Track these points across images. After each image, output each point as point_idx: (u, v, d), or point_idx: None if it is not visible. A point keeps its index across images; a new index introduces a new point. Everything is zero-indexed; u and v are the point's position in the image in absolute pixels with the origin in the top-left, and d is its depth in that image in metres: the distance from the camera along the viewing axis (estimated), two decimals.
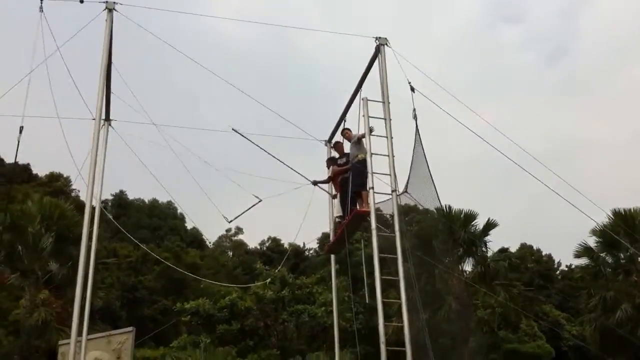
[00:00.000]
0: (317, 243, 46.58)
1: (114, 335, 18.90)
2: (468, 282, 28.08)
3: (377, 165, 11.60)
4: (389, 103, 11.88)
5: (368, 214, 11.52)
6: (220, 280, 40.33)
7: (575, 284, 39.28)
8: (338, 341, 15.07)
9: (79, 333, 10.75)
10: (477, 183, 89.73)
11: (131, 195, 62.37)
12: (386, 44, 12.29)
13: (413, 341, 10.26)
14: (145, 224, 57.30)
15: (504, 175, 79.40)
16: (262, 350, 30.56)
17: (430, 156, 12.57)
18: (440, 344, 22.85)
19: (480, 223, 29.52)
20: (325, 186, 14.72)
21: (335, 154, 14.33)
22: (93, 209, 11.70)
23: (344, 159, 13.61)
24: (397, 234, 10.94)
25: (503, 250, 34.44)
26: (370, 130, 11.82)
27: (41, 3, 12.12)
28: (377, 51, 12.34)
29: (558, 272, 52.91)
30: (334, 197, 14.36)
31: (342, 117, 14.36)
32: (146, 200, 63.34)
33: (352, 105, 13.67)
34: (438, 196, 12.71)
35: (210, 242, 64.84)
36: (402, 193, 12.16)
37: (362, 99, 12.13)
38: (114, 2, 11.91)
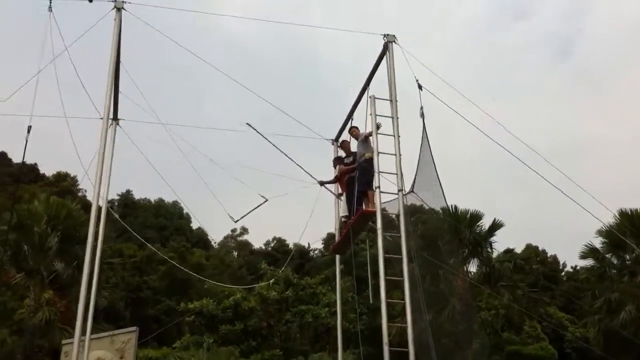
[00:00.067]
0: (322, 243, 46.61)
1: (117, 335, 18.92)
2: (473, 283, 28.06)
3: (383, 164, 11.55)
4: (396, 101, 11.79)
5: (374, 213, 11.50)
6: (225, 280, 40.40)
7: (580, 286, 39.15)
8: (341, 342, 15.07)
9: (83, 332, 10.77)
10: (483, 182, 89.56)
11: (137, 195, 62.58)
12: (394, 41, 12.20)
13: (416, 342, 10.23)
14: (151, 223, 57.39)
15: (510, 174, 79.15)
16: (265, 350, 30.59)
17: (436, 154, 12.55)
18: (444, 345, 22.83)
19: (486, 223, 29.55)
20: (331, 187, 14.69)
21: (342, 153, 14.27)
22: (99, 208, 11.71)
23: (351, 158, 13.54)
24: (403, 234, 10.90)
25: (508, 251, 34.44)
26: (378, 126, 11.81)
27: (50, 3, 12.16)
28: (385, 48, 12.25)
29: (563, 273, 52.85)
30: (340, 195, 14.33)
31: (350, 116, 14.29)
32: (152, 200, 63.50)
33: (360, 103, 13.57)
34: (444, 196, 12.69)
35: (215, 242, 64.98)
36: (409, 193, 12.13)
37: (370, 97, 12.03)
38: (123, 1, 11.89)
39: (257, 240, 79.44)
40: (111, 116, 13.19)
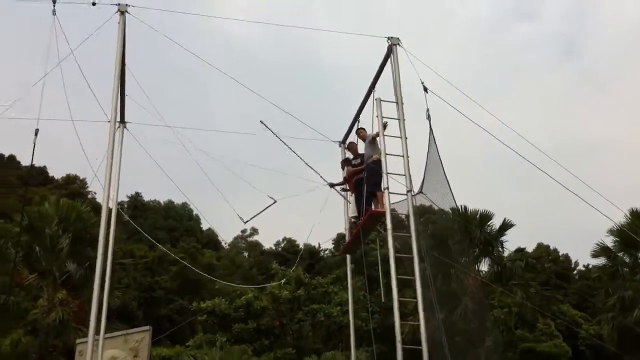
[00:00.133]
0: (332, 243, 46.62)
1: (131, 334, 18.98)
2: (484, 282, 28.00)
3: (391, 165, 11.56)
4: (402, 103, 11.80)
5: (383, 214, 11.51)
6: (235, 280, 40.51)
7: (592, 284, 39.04)
8: (354, 340, 15.08)
9: (97, 332, 10.82)
10: (492, 182, 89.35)
11: (147, 197, 62.85)
12: (398, 44, 12.19)
13: (429, 340, 10.24)
14: (161, 225, 57.61)
15: (520, 174, 78.89)
16: (277, 349, 30.66)
17: (444, 155, 12.54)
18: (457, 343, 22.79)
19: (496, 223, 29.48)
20: (340, 189, 14.71)
21: (350, 155, 14.28)
22: (110, 210, 11.76)
23: (358, 160, 13.54)
24: (413, 234, 10.91)
25: (519, 250, 34.28)
26: (385, 126, 11.80)
27: (54, 6, 12.21)
28: (390, 51, 12.25)
29: (575, 272, 52.63)
30: (347, 190, 14.34)
31: (356, 118, 14.30)
32: (162, 202, 63.74)
33: (366, 105, 13.60)
34: (453, 196, 12.67)
35: (225, 243, 65.08)
36: (418, 193, 12.13)
37: (376, 100, 12.07)
38: (127, 5, 11.95)
39: (267, 240, 79.73)
40: (118, 119, 13.21)
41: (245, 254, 67.51)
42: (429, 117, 12.21)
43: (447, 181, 12.40)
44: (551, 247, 52.60)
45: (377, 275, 12.99)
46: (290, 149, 14.28)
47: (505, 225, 29.44)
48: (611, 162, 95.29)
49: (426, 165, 12.63)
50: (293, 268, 31.26)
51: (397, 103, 11.87)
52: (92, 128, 13.04)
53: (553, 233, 77.58)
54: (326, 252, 53.32)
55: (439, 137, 12.45)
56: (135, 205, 59.10)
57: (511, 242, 31.17)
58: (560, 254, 53.27)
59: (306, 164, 14.20)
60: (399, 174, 11.39)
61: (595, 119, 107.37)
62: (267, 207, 14.96)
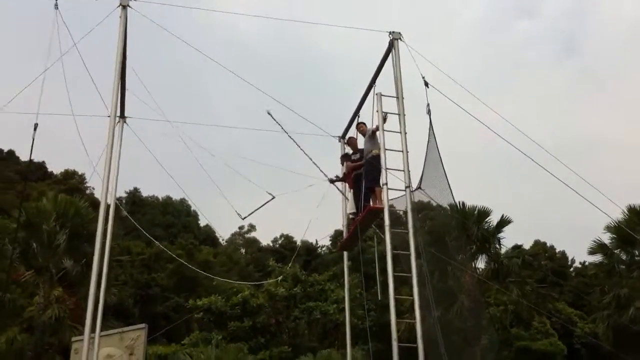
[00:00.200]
0: (330, 240, 46.60)
1: (127, 332, 18.97)
2: (481, 279, 28.04)
3: (390, 160, 11.56)
4: (403, 98, 11.79)
5: (381, 210, 11.51)
6: (232, 277, 40.51)
7: (589, 281, 39.10)
8: (350, 338, 15.09)
9: (92, 330, 10.80)
10: (490, 178, 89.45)
11: (145, 193, 62.81)
12: (400, 39, 12.17)
13: (425, 338, 10.24)
14: (158, 221, 57.58)
15: (519, 171, 79.08)
16: (273, 347, 30.65)
17: (443, 150, 12.54)
18: (453, 341, 22.82)
19: (493, 220, 29.51)
20: (340, 185, 14.70)
21: (349, 150, 14.27)
22: (108, 206, 11.73)
23: (358, 155, 13.52)
24: (410, 230, 10.91)
25: (517, 247, 34.34)
26: (385, 118, 11.80)
27: (56, 1, 12.19)
28: (391, 46, 12.22)
29: (572, 269, 52.71)
30: (344, 181, 14.34)
31: (356, 113, 14.29)
32: (160, 198, 63.67)
33: (366, 100, 13.58)
34: (452, 192, 12.67)
35: (223, 239, 65.12)
36: (416, 189, 12.12)
37: (376, 95, 12.06)
38: None
39: (265, 237, 79.76)
40: (118, 114, 13.19)
41: (243, 250, 67.50)
42: (429, 112, 12.19)
43: (446, 177, 12.41)
44: (548, 244, 52.72)
45: (373, 273, 13.01)
46: (294, 141, 14.23)
47: (503, 222, 29.48)
48: (610, 159, 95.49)
49: (425, 161, 12.64)
50: (290, 265, 31.23)
51: (397, 98, 11.84)
52: (91, 123, 13.03)
53: (550, 230, 77.78)
54: (323, 249, 53.37)
55: (438, 133, 12.47)
56: (134, 201, 59.03)
57: (508, 239, 31.25)
58: (557, 251, 53.40)
59: (309, 158, 14.14)
60: (398, 170, 11.39)
61: (595, 117, 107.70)
62: (265, 203, 14.95)
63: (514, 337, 33.06)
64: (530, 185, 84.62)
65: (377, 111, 11.88)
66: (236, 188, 18.35)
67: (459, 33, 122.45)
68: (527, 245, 42.24)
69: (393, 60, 12.16)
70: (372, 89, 12.89)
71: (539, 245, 50.29)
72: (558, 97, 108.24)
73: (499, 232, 29.54)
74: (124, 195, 58.41)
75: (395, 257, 10.89)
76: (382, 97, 11.93)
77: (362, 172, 12.84)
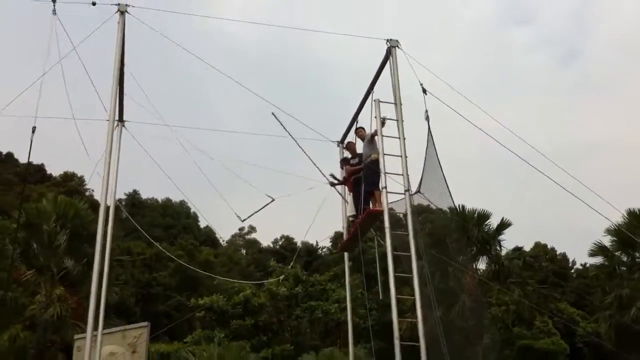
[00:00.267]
0: (330, 241, 46.66)
1: (129, 330, 18.99)
2: (482, 280, 28.07)
3: (389, 165, 11.61)
4: (401, 104, 11.84)
5: (381, 213, 11.56)
6: (233, 277, 40.54)
7: (590, 283, 39.10)
8: (352, 337, 15.11)
9: (95, 327, 10.83)
10: (489, 183, 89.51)
11: (144, 195, 62.86)
12: (397, 46, 12.20)
13: (427, 337, 10.27)
14: (158, 223, 57.64)
15: (518, 176, 79.08)
16: (276, 345, 30.69)
17: (442, 155, 12.58)
18: (455, 340, 22.86)
19: (494, 222, 29.56)
20: (340, 188, 14.73)
21: (348, 155, 14.34)
22: (108, 207, 11.77)
23: (357, 159, 13.60)
24: (411, 232, 10.95)
25: (517, 249, 34.37)
26: (383, 122, 11.83)
27: (54, 6, 12.20)
28: (389, 53, 12.26)
29: (573, 270, 52.73)
30: (344, 183, 14.36)
31: (354, 119, 14.33)
32: (159, 200, 63.74)
33: (365, 106, 13.64)
34: (451, 196, 12.70)
35: (223, 241, 65.20)
36: (415, 193, 12.15)
37: (374, 101, 12.12)
38: (126, 5, 11.95)
39: (265, 238, 79.84)
40: (117, 117, 13.20)
41: (243, 251, 67.59)
42: (427, 119, 12.24)
43: (445, 181, 12.45)
44: (549, 246, 52.75)
45: (374, 273, 13.03)
46: (296, 142, 14.25)
47: (503, 225, 29.54)
48: (609, 162, 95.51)
49: (424, 166, 12.68)
50: (291, 264, 31.27)
51: (395, 104, 11.89)
52: (89, 126, 13.07)
53: (550, 232, 77.81)
54: (324, 250, 53.42)
55: (437, 139, 12.52)
56: (133, 203, 59.02)
57: (509, 241, 31.29)
58: (557, 253, 53.42)
59: (311, 160, 14.17)
60: (397, 174, 11.43)
61: (594, 120, 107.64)
62: (265, 206, 15.00)
63: (516, 336, 33.07)
64: (529, 189, 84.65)
65: (376, 117, 11.94)
66: (236, 190, 18.38)
67: (457, 39, 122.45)
68: (527, 248, 42.35)
69: (391, 68, 12.17)
70: (370, 96, 12.96)
71: (539, 247, 50.32)
72: (557, 101, 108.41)
73: (499, 234, 29.60)
74: (124, 197, 58.54)
75: (396, 258, 10.93)
76: (380, 103, 11.98)
77: (361, 175, 12.87)
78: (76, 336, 19.73)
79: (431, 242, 22.83)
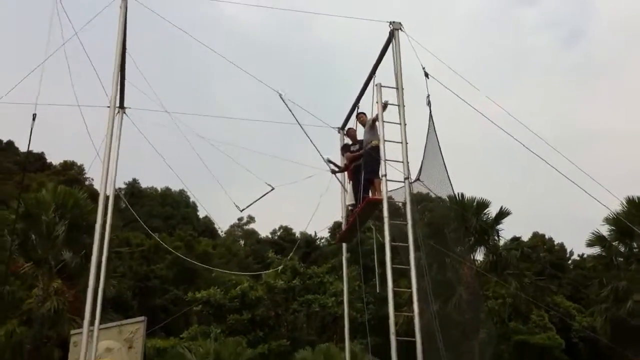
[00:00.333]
0: (329, 232, 46.60)
1: (126, 325, 18.89)
2: (480, 272, 28.06)
3: (390, 151, 11.54)
4: (402, 89, 11.75)
5: (380, 202, 11.51)
6: (231, 269, 40.50)
7: (587, 274, 39.12)
8: (348, 332, 15.09)
9: (92, 322, 10.80)
10: (489, 170, 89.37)
11: (144, 184, 62.76)
12: (400, 29, 12.11)
13: (423, 331, 10.23)
14: (157, 212, 57.53)
15: (516, 162, 79.08)
16: (272, 340, 30.66)
17: (442, 142, 12.52)
18: (451, 334, 22.87)
19: (492, 211, 29.53)
20: (340, 176, 14.66)
21: (349, 141, 14.24)
22: (107, 197, 11.72)
23: (357, 146, 13.49)
24: (409, 222, 10.89)
25: (515, 239, 34.38)
26: (385, 105, 11.78)
27: None
28: (391, 36, 12.16)
29: (570, 261, 52.75)
30: (344, 170, 14.30)
31: (356, 104, 14.24)
32: (159, 189, 63.60)
33: (366, 91, 13.53)
34: (451, 184, 12.66)
35: (222, 231, 65.13)
36: (415, 181, 12.10)
37: (376, 85, 12.03)
38: None
39: (264, 228, 79.83)
40: (118, 104, 13.14)
41: (242, 242, 67.55)
42: (429, 103, 12.15)
43: (445, 168, 12.39)
44: (546, 236, 52.76)
45: (372, 265, 13.01)
46: (300, 126, 14.12)
47: (502, 214, 29.51)
48: (609, 149, 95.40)
49: (425, 152, 12.60)
50: (290, 255, 31.24)
51: (397, 89, 11.80)
52: (90, 114, 13.02)
53: (549, 222, 77.77)
54: (322, 241, 53.37)
55: (438, 124, 12.42)
56: (132, 192, 58.88)
57: (507, 231, 31.34)
58: (555, 243, 53.45)
59: (314, 146, 14.08)
60: (397, 161, 11.37)
61: (596, 106, 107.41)
62: (264, 195, 14.95)
63: (512, 331, 33.09)
64: (529, 177, 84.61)
65: (377, 102, 11.85)
66: (236, 179, 18.37)
67: (460, 22, 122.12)
68: (525, 237, 42.38)
69: (393, 51, 12.08)
70: (372, 80, 12.84)
71: (537, 237, 50.30)
72: (560, 86, 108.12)
73: (498, 223, 29.59)
74: (123, 186, 58.42)
75: (394, 249, 10.89)
76: (382, 88, 11.90)
77: (361, 163, 12.80)
78: (72, 331, 19.68)
79: (430, 232, 22.78)
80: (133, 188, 60.11)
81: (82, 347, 10.08)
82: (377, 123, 12.09)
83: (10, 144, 55.62)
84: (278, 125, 14.35)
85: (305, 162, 14.61)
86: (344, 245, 15.71)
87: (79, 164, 55.37)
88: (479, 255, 30.04)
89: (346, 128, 14.82)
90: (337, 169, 14.40)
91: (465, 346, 25.69)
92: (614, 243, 27.86)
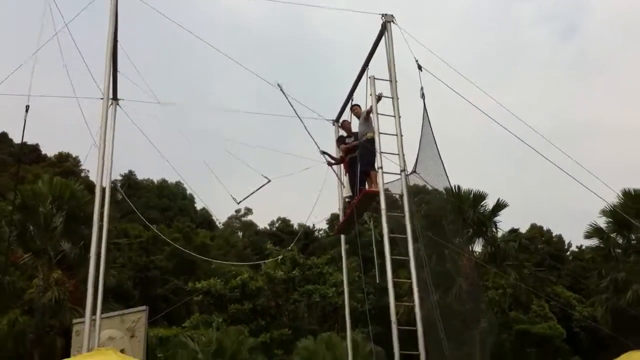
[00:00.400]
0: (327, 224, 46.63)
1: (128, 314, 18.98)
2: (478, 263, 28.10)
3: (385, 144, 11.54)
4: (396, 82, 11.72)
5: (377, 194, 11.50)
6: (230, 260, 40.56)
7: (586, 265, 39.16)
8: (349, 321, 15.12)
9: (93, 312, 10.81)
10: (485, 162, 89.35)
11: (140, 176, 62.69)
12: (392, 21, 12.07)
13: (424, 321, 10.27)
14: (154, 204, 57.49)
15: (512, 155, 78.99)
16: (274, 329, 30.78)
17: (438, 134, 12.50)
18: (452, 324, 22.92)
19: (489, 203, 29.53)
20: (336, 168, 14.64)
21: (344, 133, 14.20)
22: (104, 189, 11.70)
23: (352, 138, 13.47)
24: (407, 214, 10.90)
25: (513, 231, 34.41)
26: (379, 97, 11.76)
27: None
28: (384, 28, 12.13)
29: (568, 253, 52.76)
30: (340, 163, 14.26)
31: (350, 96, 14.20)
32: (155, 181, 63.57)
33: (360, 83, 13.48)
34: (447, 176, 12.66)
35: (220, 223, 65.10)
36: (411, 173, 12.10)
37: (369, 78, 12.03)
38: None
39: (262, 220, 79.83)
40: (111, 96, 13.08)
41: (240, 233, 67.54)
42: (423, 96, 12.15)
43: (441, 161, 12.39)
44: (544, 228, 52.72)
45: (371, 256, 13.02)
46: (298, 116, 14.04)
47: (499, 206, 29.51)
48: (606, 142, 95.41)
49: (420, 145, 12.60)
50: (291, 246, 31.29)
51: (390, 81, 11.79)
52: (83, 105, 12.98)
53: (547, 214, 77.78)
54: (320, 233, 53.39)
55: (433, 117, 12.42)
56: (129, 184, 58.83)
57: (505, 223, 31.32)
58: (553, 234, 53.42)
59: (311, 137, 14.05)
60: (393, 153, 11.36)
61: (592, 99, 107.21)
62: (261, 187, 14.92)
63: (513, 321, 33.19)
64: (525, 170, 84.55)
65: (371, 94, 11.84)
66: (233, 171, 18.33)
67: (455, 15, 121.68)
68: (523, 229, 42.43)
69: (386, 44, 12.07)
70: (366, 73, 12.80)
71: (535, 229, 50.28)
72: (556, 80, 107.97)
73: (495, 215, 29.58)
74: (119, 178, 58.35)
75: (392, 241, 10.91)
76: (376, 80, 11.89)
77: (357, 155, 12.79)
78: (75, 320, 19.75)
79: (427, 224, 22.77)
80: (129, 180, 59.98)
81: (85, 336, 10.07)
82: (371, 115, 12.10)
83: (4, 135, 55.48)
84: (274, 118, 14.32)
85: (301, 154, 14.55)
86: (343, 236, 15.73)
87: (74, 155, 55.41)
88: (477, 247, 30.08)
89: (341, 120, 14.79)
90: (333, 161, 14.37)
91: (467, 335, 25.75)
92: (611, 235, 27.87)
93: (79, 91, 13.01)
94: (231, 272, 33.66)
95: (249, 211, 70.98)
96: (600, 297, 28.49)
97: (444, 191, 18.40)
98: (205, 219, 59.65)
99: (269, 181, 14.81)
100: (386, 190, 11.46)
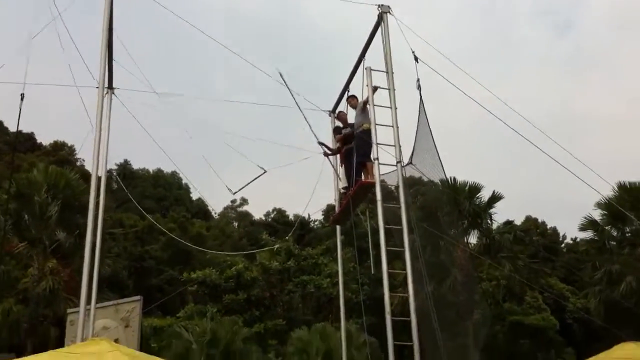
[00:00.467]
0: (322, 214, 46.62)
1: (122, 304, 19.01)
2: (473, 254, 28.18)
3: (381, 135, 11.56)
4: (392, 73, 11.72)
5: (373, 185, 11.51)
6: (225, 250, 40.50)
7: (580, 257, 39.26)
8: (344, 312, 15.15)
9: (88, 302, 10.81)
10: (481, 154, 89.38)
11: (135, 165, 62.50)
12: (389, 12, 12.05)
13: (418, 312, 10.30)
14: (150, 194, 57.31)
15: (508, 146, 79.00)
16: (268, 320, 30.84)
17: (434, 125, 12.50)
18: (446, 315, 23.00)
19: (485, 195, 29.62)
20: (332, 159, 14.63)
21: (340, 124, 14.20)
22: (99, 178, 11.68)
23: (348, 129, 13.45)
24: (403, 205, 10.92)
25: (508, 223, 34.46)
26: (375, 89, 11.74)
27: None
28: (380, 19, 12.09)
29: (563, 245, 52.89)
30: (337, 153, 14.25)
31: (346, 87, 14.19)
32: (151, 171, 63.39)
33: (356, 74, 13.49)
34: (443, 167, 12.67)
35: (215, 213, 65.01)
36: (407, 164, 12.10)
37: (366, 69, 12.03)
38: None
39: (257, 210, 79.82)
40: (106, 85, 13.03)
41: (235, 224, 67.48)
42: (419, 87, 12.14)
43: (437, 152, 12.39)
44: (539, 220, 52.82)
45: (367, 247, 13.03)
46: (297, 105, 13.95)
47: (494, 198, 29.62)
48: (602, 136, 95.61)
49: (416, 136, 12.61)
50: (289, 236, 31.30)
51: (387, 73, 11.78)
52: (78, 94, 12.92)
53: (542, 206, 77.90)
54: (316, 223, 53.39)
55: (429, 108, 12.41)
56: (124, 174, 58.59)
57: (500, 215, 31.38)
58: (548, 227, 53.51)
59: (309, 126, 13.98)
60: (389, 145, 11.36)
61: (588, 95, 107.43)
62: (256, 178, 14.89)
63: (506, 312, 33.28)
64: (521, 162, 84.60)
65: (367, 85, 11.83)
66: (229, 162, 18.30)
67: (452, 7, 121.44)
68: (518, 221, 42.41)
69: (382, 34, 12.03)
70: (362, 64, 12.80)
71: (530, 221, 50.33)
72: (553, 72, 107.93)
73: (491, 207, 29.69)
74: (115, 167, 58.12)
75: (388, 232, 10.92)
76: (372, 71, 11.87)
77: (353, 146, 12.79)
78: (69, 310, 19.78)
79: (423, 216, 22.82)
80: (124, 169, 59.74)
81: (79, 326, 10.08)
82: (367, 106, 12.08)
83: None
84: (270, 108, 14.25)
85: (297, 145, 14.52)
86: (338, 227, 15.74)
87: (69, 144, 55.17)
88: (472, 239, 30.19)
89: (337, 111, 14.75)
90: (329, 152, 14.36)
91: (460, 326, 25.85)
92: (606, 227, 27.96)
93: (74, 79, 12.95)
94: (226, 262, 33.67)
95: (244, 201, 71.05)
96: (594, 289, 28.58)
97: (439, 183, 18.43)
98: (200, 209, 59.50)
99: (265, 172, 14.78)
100: (382, 182, 11.49)
